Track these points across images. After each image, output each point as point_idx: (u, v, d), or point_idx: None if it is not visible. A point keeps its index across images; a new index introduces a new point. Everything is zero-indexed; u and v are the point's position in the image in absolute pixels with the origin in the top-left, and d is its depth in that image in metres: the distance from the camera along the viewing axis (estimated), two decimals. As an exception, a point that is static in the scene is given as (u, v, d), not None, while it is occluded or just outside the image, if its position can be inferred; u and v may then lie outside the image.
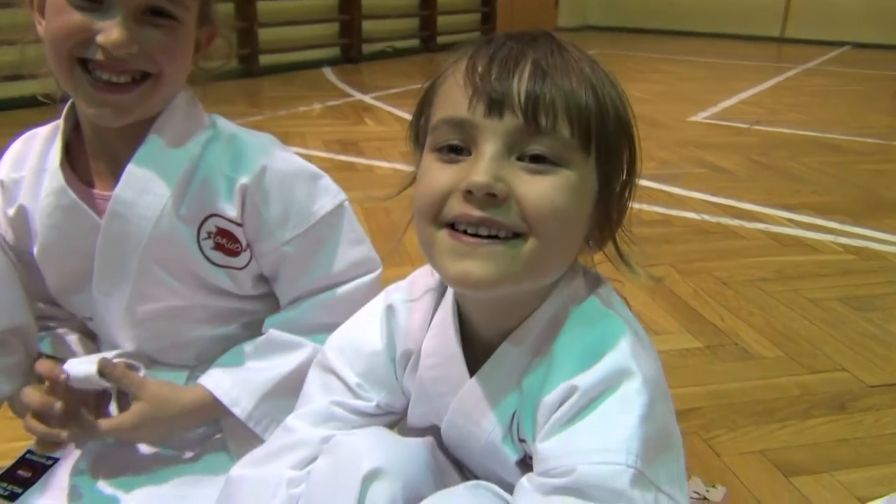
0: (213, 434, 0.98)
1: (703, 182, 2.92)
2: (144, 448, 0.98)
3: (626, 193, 0.71)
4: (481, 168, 0.63)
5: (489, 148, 0.64)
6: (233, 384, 0.93)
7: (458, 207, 0.64)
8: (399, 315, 0.81)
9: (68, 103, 0.93)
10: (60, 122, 0.93)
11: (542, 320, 0.70)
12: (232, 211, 0.91)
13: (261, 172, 0.91)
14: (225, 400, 0.92)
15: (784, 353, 1.62)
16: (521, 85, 0.64)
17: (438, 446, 0.77)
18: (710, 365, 1.57)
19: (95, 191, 0.91)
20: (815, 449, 1.29)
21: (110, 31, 0.80)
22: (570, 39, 0.70)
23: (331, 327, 0.94)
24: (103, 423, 0.89)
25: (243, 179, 0.91)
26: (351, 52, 6.05)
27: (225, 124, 0.95)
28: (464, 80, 0.66)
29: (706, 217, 2.52)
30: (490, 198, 0.63)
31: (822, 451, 1.28)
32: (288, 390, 0.93)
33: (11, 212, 0.94)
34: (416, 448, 0.73)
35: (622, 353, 0.66)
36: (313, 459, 0.75)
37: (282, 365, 0.94)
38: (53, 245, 0.92)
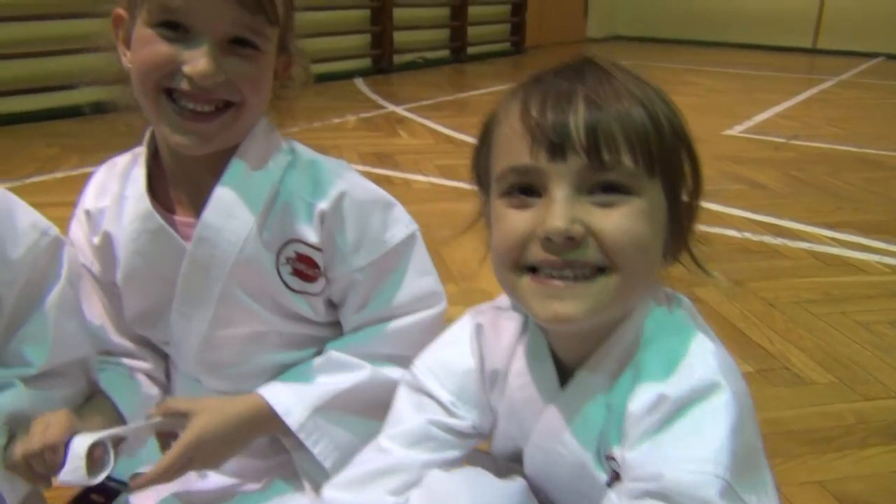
0: (280, 463, 0.98)
1: (743, 199, 2.90)
2: (211, 481, 0.98)
3: (694, 198, 0.72)
4: (557, 213, 0.64)
5: (559, 192, 0.65)
6: (288, 394, 0.93)
7: (539, 254, 0.65)
8: (487, 334, 0.82)
9: (148, 130, 0.94)
10: (143, 149, 0.94)
11: (626, 338, 0.71)
12: (312, 236, 0.92)
13: (339, 198, 0.92)
14: (279, 408, 0.92)
15: (836, 379, 1.60)
16: (578, 124, 0.65)
17: (531, 489, 0.77)
18: (762, 390, 1.55)
19: (176, 217, 0.93)
20: (875, 480, 1.27)
21: (197, 62, 0.82)
22: (612, 60, 0.71)
23: (391, 358, 0.95)
24: (159, 466, 0.87)
25: (323, 205, 0.91)
26: (382, 63, 6.08)
27: (302, 149, 0.97)
28: (521, 126, 0.67)
29: (748, 235, 2.50)
30: (569, 241, 0.64)
31: (882, 483, 1.27)
32: (343, 407, 0.93)
33: (97, 240, 0.96)
34: (511, 491, 0.73)
35: (710, 366, 0.66)
36: (412, 485, 0.75)
37: (339, 382, 0.94)
38: (137, 270, 0.93)
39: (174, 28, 0.83)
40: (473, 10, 6.95)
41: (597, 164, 0.64)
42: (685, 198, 0.71)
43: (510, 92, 0.72)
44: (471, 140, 3.80)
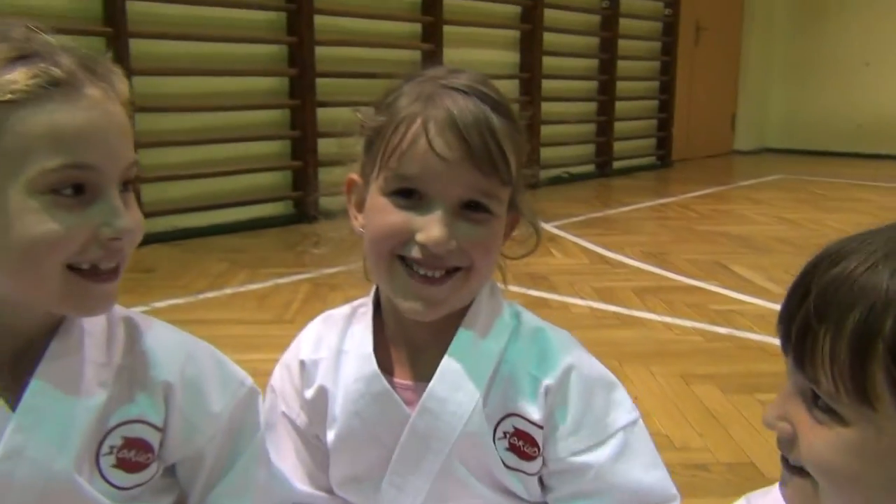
0: None
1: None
2: None
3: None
4: None
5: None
6: None
7: None
8: None
9: (372, 288, 0.94)
10: (368, 308, 0.94)
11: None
12: (535, 413, 0.87)
13: (565, 374, 0.87)
14: None
15: None
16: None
17: None
18: None
19: (395, 378, 0.91)
20: None
21: (430, 229, 0.81)
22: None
23: None
24: None
25: (548, 380, 0.87)
26: (530, 179, 6.13)
27: (527, 316, 0.93)
28: None
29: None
30: None
31: None
32: None
33: (310, 394, 0.94)
34: None
35: None
36: None
37: None
38: (353, 431, 0.91)
39: (408, 195, 0.83)
40: (619, 126, 6.97)
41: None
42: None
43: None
44: (626, 260, 3.72)
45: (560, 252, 3.94)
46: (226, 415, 0.86)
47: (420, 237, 0.81)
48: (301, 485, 0.97)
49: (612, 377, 0.92)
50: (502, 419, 0.87)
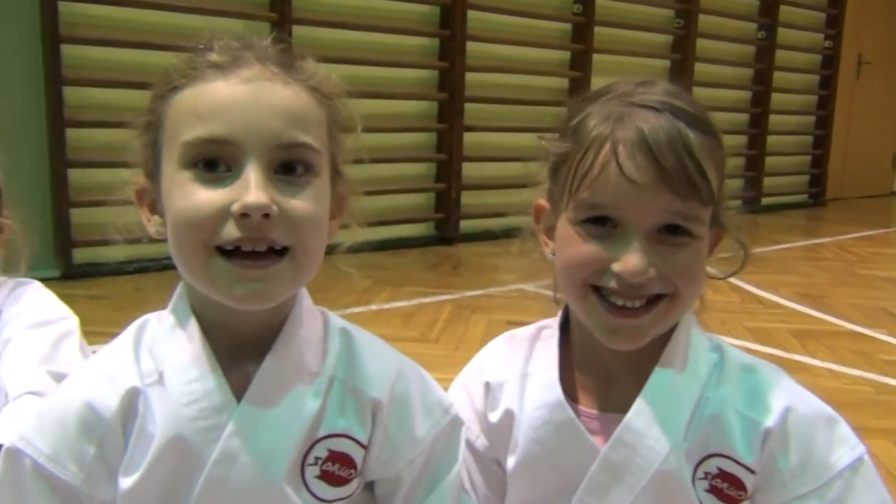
0: None
1: None
2: None
3: None
4: None
5: None
6: None
7: None
8: None
9: (561, 310, 0.91)
10: (554, 331, 0.90)
11: None
12: (748, 456, 0.81)
13: (784, 416, 0.81)
14: None
15: None
16: None
17: None
18: None
19: (580, 406, 0.87)
20: None
21: (627, 260, 0.77)
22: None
23: None
24: None
25: (766, 422, 0.81)
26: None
27: (731, 350, 0.88)
28: None
29: None
30: None
31: None
32: None
33: (494, 417, 0.92)
34: None
35: None
36: None
37: None
38: (533, 458, 0.88)
39: (601, 223, 0.79)
40: (770, 160, 6.67)
41: None
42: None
43: None
44: (780, 300, 3.52)
45: (709, 288, 3.76)
46: (427, 441, 0.84)
47: (616, 267, 0.78)
48: None
49: (832, 412, 0.86)
50: (704, 459, 0.82)
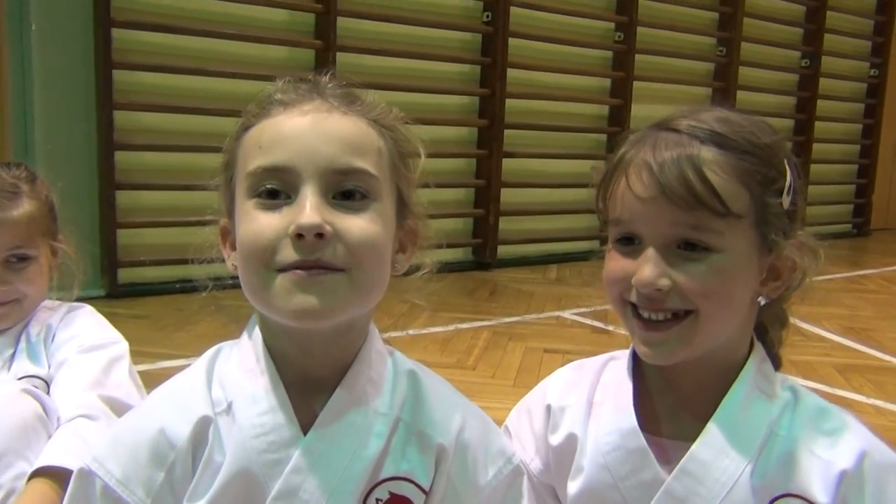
0: None
1: None
2: None
3: None
4: None
5: None
6: None
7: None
8: None
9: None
10: (624, 359, 0.92)
11: None
12: (822, 497, 0.81)
13: (860, 459, 0.81)
14: None
15: None
16: None
17: None
18: None
19: (648, 434, 0.87)
20: None
21: (641, 270, 0.81)
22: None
23: None
24: None
25: (843, 465, 0.81)
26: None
27: (805, 393, 0.88)
28: None
29: None
30: None
31: None
32: None
33: (557, 440, 0.92)
34: None
35: None
36: None
37: None
38: (599, 485, 0.88)
39: (628, 242, 0.84)
40: (813, 189, 6.57)
41: None
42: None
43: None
44: (823, 333, 3.45)
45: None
46: (488, 490, 0.84)
47: (634, 279, 0.82)
48: None
49: None
50: (778, 498, 0.82)
